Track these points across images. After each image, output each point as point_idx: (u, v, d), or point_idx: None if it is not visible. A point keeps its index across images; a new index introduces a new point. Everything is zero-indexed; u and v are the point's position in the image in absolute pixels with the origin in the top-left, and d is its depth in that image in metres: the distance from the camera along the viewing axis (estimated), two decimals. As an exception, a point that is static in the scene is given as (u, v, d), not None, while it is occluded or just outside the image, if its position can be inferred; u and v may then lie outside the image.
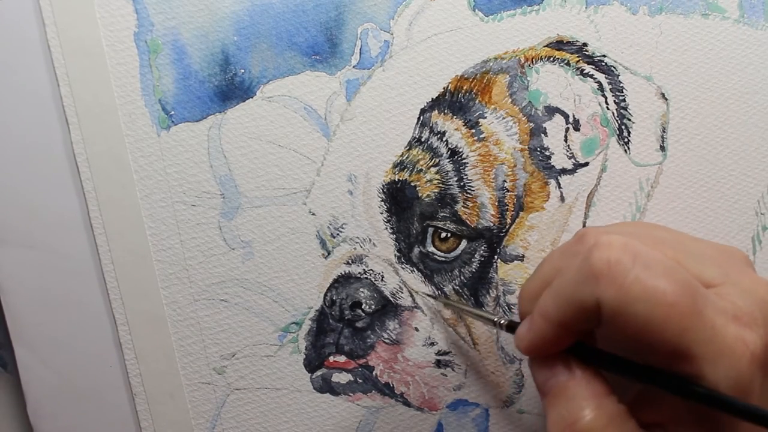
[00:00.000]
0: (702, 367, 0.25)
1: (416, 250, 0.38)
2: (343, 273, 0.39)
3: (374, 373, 0.39)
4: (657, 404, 0.28)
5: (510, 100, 0.38)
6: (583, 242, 0.29)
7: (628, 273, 0.26)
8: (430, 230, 0.38)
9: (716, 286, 0.28)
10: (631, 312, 0.26)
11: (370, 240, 0.39)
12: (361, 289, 0.38)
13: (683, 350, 0.25)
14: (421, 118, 0.38)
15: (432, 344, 0.39)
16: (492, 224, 0.38)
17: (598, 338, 0.30)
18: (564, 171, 0.38)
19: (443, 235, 0.38)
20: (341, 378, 0.39)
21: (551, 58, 0.38)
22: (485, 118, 0.38)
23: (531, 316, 0.30)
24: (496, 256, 0.38)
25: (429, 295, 0.38)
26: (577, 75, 0.38)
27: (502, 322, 0.33)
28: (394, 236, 0.38)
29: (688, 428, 0.27)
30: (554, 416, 0.28)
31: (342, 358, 0.39)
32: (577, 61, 0.38)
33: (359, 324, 0.38)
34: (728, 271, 0.28)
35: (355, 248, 0.39)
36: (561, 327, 0.28)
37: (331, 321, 0.39)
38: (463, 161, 0.38)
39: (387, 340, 0.38)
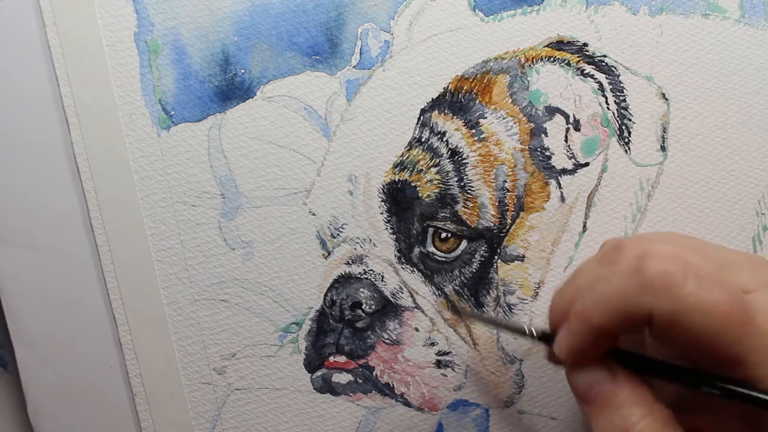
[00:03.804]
0: (757, 373, 0.25)
1: (416, 250, 0.38)
2: (343, 273, 0.39)
3: (374, 373, 0.39)
4: (698, 410, 0.28)
5: (510, 100, 0.38)
6: (622, 251, 0.29)
7: (683, 284, 0.26)
8: (431, 230, 0.38)
9: (753, 291, 0.28)
10: (687, 322, 0.26)
11: (370, 240, 0.38)
12: (362, 290, 0.38)
13: (738, 358, 0.26)
14: (422, 118, 0.38)
15: (432, 344, 0.38)
16: (492, 224, 0.38)
17: (642, 342, 0.30)
18: (564, 171, 0.38)
19: (443, 235, 0.38)
20: (341, 378, 0.39)
21: (552, 59, 0.38)
22: (485, 118, 0.38)
23: (566, 326, 0.29)
24: (496, 257, 0.38)
25: (454, 311, 0.38)
26: (578, 75, 0.38)
27: (533, 331, 0.32)
28: (395, 236, 0.38)
29: None
30: (604, 424, 0.28)
31: (342, 359, 0.39)
32: (578, 62, 0.38)
33: (359, 324, 0.38)
34: (762, 277, 0.28)
35: (355, 248, 0.39)
36: (602, 332, 0.28)
37: (331, 321, 0.39)
38: (464, 161, 0.38)
39: (387, 341, 0.38)
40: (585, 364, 0.29)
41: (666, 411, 0.27)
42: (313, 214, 0.39)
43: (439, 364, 0.39)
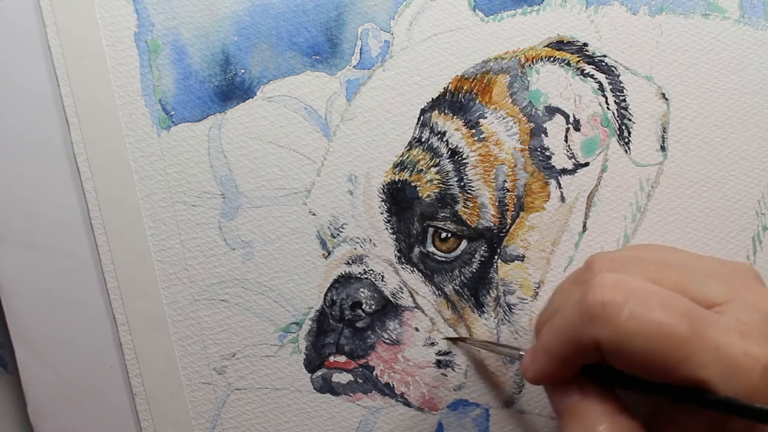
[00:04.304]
0: (714, 387, 0.26)
1: (416, 250, 0.38)
2: (343, 273, 0.39)
3: (374, 373, 0.39)
4: (672, 420, 0.29)
5: (510, 100, 0.38)
6: (589, 271, 0.30)
7: (621, 311, 0.26)
8: (431, 230, 0.38)
9: (722, 304, 0.28)
10: (631, 348, 0.26)
11: (370, 240, 0.38)
12: (362, 289, 0.38)
13: (690, 376, 0.26)
14: (422, 118, 0.38)
15: (432, 344, 0.38)
16: (492, 224, 0.38)
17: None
18: (564, 171, 0.38)
19: (443, 235, 0.38)
20: (341, 378, 0.39)
21: (552, 58, 0.38)
22: (485, 118, 0.38)
23: (534, 348, 0.31)
24: (496, 256, 0.38)
25: (452, 339, 0.38)
26: (578, 75, 0.38)
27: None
28: (395, 236, 0.38)
29: None
30: None
31: (342, 358, 0.39)
32: (578, 61, 0.38)
33: (359, 324, 0.38)
34: (734, 288, 0.28)
35: (355, 248, 0.39)
36: (564, 362, 0.29)
37: (331, 321, 0.39)
38: (464, 161, 0.38)
39: (387, 340, 0.38)
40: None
41: (631, 422, 0.28)
42: (313, 214, 0.39)
43: (439, 364, 0.39)
